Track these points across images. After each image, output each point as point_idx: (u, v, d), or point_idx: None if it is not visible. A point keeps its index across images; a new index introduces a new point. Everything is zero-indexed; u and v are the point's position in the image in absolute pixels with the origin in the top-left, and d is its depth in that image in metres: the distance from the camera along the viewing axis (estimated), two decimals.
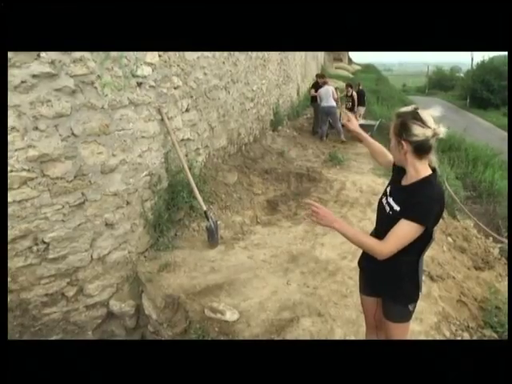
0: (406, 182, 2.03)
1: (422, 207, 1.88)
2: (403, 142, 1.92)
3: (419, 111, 1.91)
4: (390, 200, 2.04)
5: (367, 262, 2.24)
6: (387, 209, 2.04)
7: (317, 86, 10.69)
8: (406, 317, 2.16)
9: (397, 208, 1.97)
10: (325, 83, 10.50)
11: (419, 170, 1.95)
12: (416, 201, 1.89)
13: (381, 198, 2.16)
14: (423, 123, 1.87)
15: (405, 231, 1.89)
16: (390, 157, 2.24)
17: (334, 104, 10.08)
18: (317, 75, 11.44)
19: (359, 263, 2.40)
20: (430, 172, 1.96)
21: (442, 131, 1.88)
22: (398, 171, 2.11)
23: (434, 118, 1.92)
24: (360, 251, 2.24)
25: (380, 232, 2.03)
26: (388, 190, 2.14)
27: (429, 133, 1.87)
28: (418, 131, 1.87)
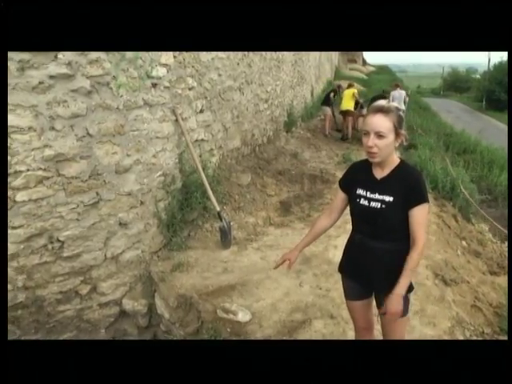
0: (382, 173, 2.04)
1: (421, 187, 1.98)
2: (403, 133, 1.97)
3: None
4: (375, 196, 2.02)
5: (369, 263, 2.11)
6: (376, 205, 2.00)
7: None
8: (408, 307, 2.12)
9: (389, 199, 1.97)
10: (397, 87, 11.56)
11: (394, 157, 2.03)
12: (412, 185, 1.96)
13: (357, 201, 2.09)
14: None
15: (423, 216, 1.96)
16: (334, 213, 2.26)
17: (403, 108, 10.79)
18: (395, 84, 12.35)
19: (347, 271, 2.28)
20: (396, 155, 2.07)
21: None
22: (359, 171, 2.14)
23: None
24: None
25: (373, 230, 2.04)
26: (360, 191, 2.07)
27: None
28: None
